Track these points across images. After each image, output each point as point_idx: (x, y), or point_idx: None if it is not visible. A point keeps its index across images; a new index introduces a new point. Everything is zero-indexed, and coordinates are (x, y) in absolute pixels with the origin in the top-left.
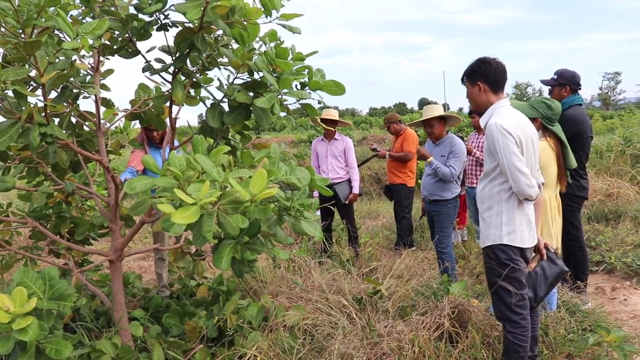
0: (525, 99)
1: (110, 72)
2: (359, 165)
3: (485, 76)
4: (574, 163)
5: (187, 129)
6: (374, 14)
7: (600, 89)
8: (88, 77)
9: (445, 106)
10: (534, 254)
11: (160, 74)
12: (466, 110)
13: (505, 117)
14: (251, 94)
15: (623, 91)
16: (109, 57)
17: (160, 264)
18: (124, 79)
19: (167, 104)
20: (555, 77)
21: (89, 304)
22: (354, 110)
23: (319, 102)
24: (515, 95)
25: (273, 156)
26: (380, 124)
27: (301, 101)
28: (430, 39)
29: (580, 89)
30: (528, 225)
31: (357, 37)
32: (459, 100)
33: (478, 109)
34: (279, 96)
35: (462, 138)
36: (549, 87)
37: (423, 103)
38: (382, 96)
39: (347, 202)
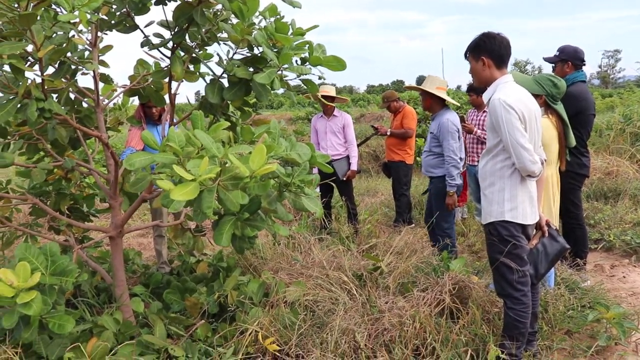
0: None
1: (109, 48)
2: (359, 145)
3: (489, 51)
4: (573, 142)
5: (186, 106)
6: None
7: (600, 67)
8: (86, 53)
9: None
10: (535, 231)
11: (159, 49)
12: (464, 88)
13: (509, 93)
14: (251, 69)
15: (623, 69)
16: (107, 32)
17: (159, 241)
18: (123, 55)
19: (166, 79)
20: (558, 53)
21: (90, 280)
22: (351, 88)
23: (320, 78)
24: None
25: (273, 132)
26: (378, 102)
27: (301, 77)
28: (427, 17)
29: (584, 64)
30: (530, 201)
31: (354, 15)
32: (457, 78)
33: (481, 85)
34: (279, 71)
35: (462, 117)
36: (552, 64)
37: (421, 80)
38: (379, 74)
39: (345, 179)
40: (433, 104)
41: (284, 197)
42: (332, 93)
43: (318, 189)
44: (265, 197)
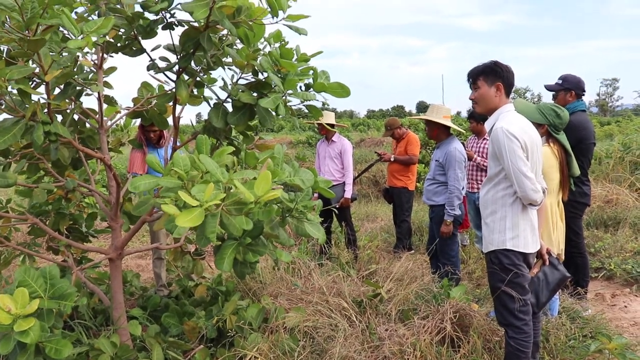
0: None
1: (113, 69)
2: (362, 172)
3: (505, 78)
4: (577, 171)
5: (187, 128)
6: (373, 18)
7: (598, 95)
8: (91, 75)
9: (442, 106)
10: (536, 260)
11: (165, 72)
12: (464, 114)
13: (512, 122)
14: (255, 94)
15: (621, 97)
16: (113, 54)
17: (158, 263)
18: (127, 77)
19: (170, 103)
20: (560, 82)
21: (88, 301)
22: (352, 112)
23: (323, 105)
24: (514, 99)
25: (277, 157)
26: (378, 127)
27: (305, 103)
28: (428, 43)
29: (584, 94)
30: (532, 230)
31: (356, 40)
32: (457, 103)
33: (486, 112)
34: (284, 97)
35: (462, 143)
36: (553, 92)
37: (421, 106)
38: (380, 99)
39: (337, 206)
40: (439, 133)
41: (286, 223)
42: (332, 120)
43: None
44: (267, 222)
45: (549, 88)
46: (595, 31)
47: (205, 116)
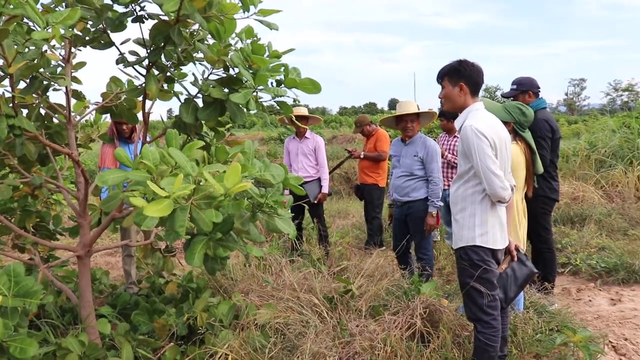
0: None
1: (82, 64)
2: (333, 169)
3: (468, 77)
4: (541, 169)
5: (158, 124)
6: (346, 14)
7: (566, 94)
8: (59, 69)
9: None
10: (504, 256)
11: (134, 67)
12: (436, 110)
13: (480, 120)
14: (226, 90)
15: (588, 97)
16: (81, 48)
17: (128, 261)
18: (96, 71)
19: (140, 98)
20: (515, 86)
21: (55, 300)
22: (324, 109)
23: (294, 101)
24: (484, 97)
25: (247, 152)
26: (350, 123)
27: (276, 99)
28: (401, 41)
29: (540, 91)
30: (500, 227)
31: (329, 37)
32: (429, 101)
33: (453, 110)
34: (255, 92)
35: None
36: (511, 98)
37: (393, 103)
38: (352, 96)
39: (316, 202)
40: (418, 127)
41: (256, 218)
42: (305, 113)
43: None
44: (238, 217)
45: (506, 95)
46: (566, 32)
47: (176, 112)
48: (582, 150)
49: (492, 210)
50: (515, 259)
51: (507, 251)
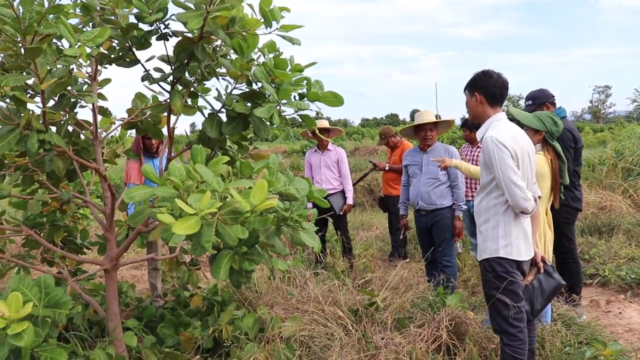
0: None
1: (107, 81)
2: (357, 181)
3: (483, 88)
4: (567, 179)
5: (181, 138)
6: (366, 27)
7: (591, 102)
8: (85, 86)
9: (437, 117)
10: (530, 267)
11: (159, 83)
12: (457, 122)
13: (502, 131)
14: (249, 104)
15: (613, 104)
16: (107, 65)
17: (154, 274)
18: (122, 87)
19: (165, 113)
20: (530, 101)
21: (83, 313)
22: (346, 121)
23: (317, 114)
24: (507, 107)
25: (272, 167)
26: (372, 135)
27: (299, 112)
28: (422, 51)
29: (555, 100)
30: (524, 238)
31: (350, 49)
32: (451, 111)
33: (475, 120)
34: (278, 107)
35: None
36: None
37: (414, 114)
38: (373, 107)
39: (341, 213)
40: (437, 135)
41: (281, 232)
42: (327, 125)
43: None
44: (263, 231)
45: (524, 116)
46: (589, 39)
47: (199, 126)
48: (609, 159)
49: (515, 222)
50: (542, 270)
51: (534, 262)
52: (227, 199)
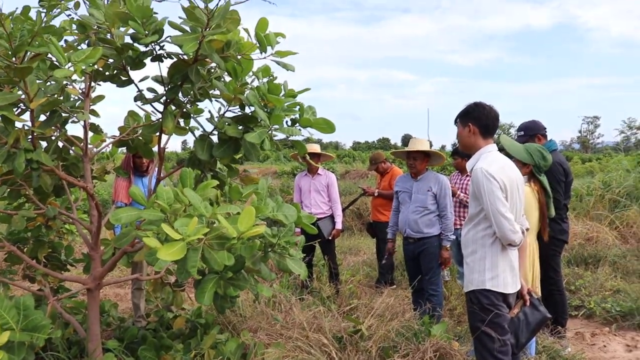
0: None
1: (100, 98)
2: (347, 207)
3: (477, 119)
4: (553, 213)
5: (171, 154)
6: (361, 51)
7: (580, 132)
8: (78, 102)
9: (429, 143)
10: (516, 300)
11: (152, 103)
12: (449, 147)
13: (491, 162)
14: (241, 127)
15: (602, 135)
16: (101, 83)
17: (137, 294)
18: (114, 104)
19: (157, 133)
20: (522, 132)
21: (62, 332)
22: (337, 144)
23: (309, 140)
24: (498, 135)
25: (261, 192)
26: (363, 158)
27: (291, 138)
28: (415, 77)
29: (547, 132)
30: (511, 270)
31: (344, 72)
32: (442, 137)
33: (466, 151)
34: (269, 132)
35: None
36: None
37: (406, 139)
38: (366, 131)
39: (330, 238)
40: (425, 165)
41: (268, 257)
42: (318, 150)
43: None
44: (249, 257)
45: (514, 147)
46: (578, 69)
47: (191, 144)
48: (597, 190)
49: (502, 254)
50: (528, 303)
51: (520, 295)
52: (214, 224)
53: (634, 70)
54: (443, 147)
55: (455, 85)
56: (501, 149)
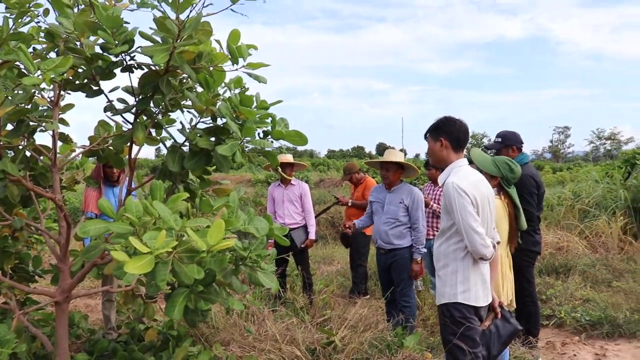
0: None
1: (70, 106)
2: (319, 214)
3: (448, 133)
4: (524, 225)
5: (145, 161)
6: (336, 59)
7: (551, 141)
8: (46, 111)
9: (403, 151)
10: (488, 312)
11: (122, 114)
12: (423, 156)
13: (463, 177)
14: (213, 139)
15: (572, 145)
16: (70, 92)
17: (108, 305)
18: (84, 111)
19: (127, 143)
20: (500, 139)
21: (29, 346)
22: (312, 152)
23: (280, 151)
24: (472, 145)
25: (232, 205)
26: (337, 167)
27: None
28: (389, 86)
29: (523, 146)
30: (482, 284)
31: (318, 80)
32: (416, 147)
33: (438, 165)
34: (241, 144)
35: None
36: (494, 151)
37: (381, 147)
38: (340, 139)
39: (302, 246)
40: (398, 177)
41: (239, 271)
42: (291, 160)
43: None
44: (220, 270)
45: (489, 147)
46: (550, 80)
47: (164, 151)
48: (567, 200)
49: (474, 268)
50: (499, 315)
51: (491, 308)
52: (184, 237)
53: (602, 82)
54: (417, 156)
55: (430, 94)
56: (471, 162)
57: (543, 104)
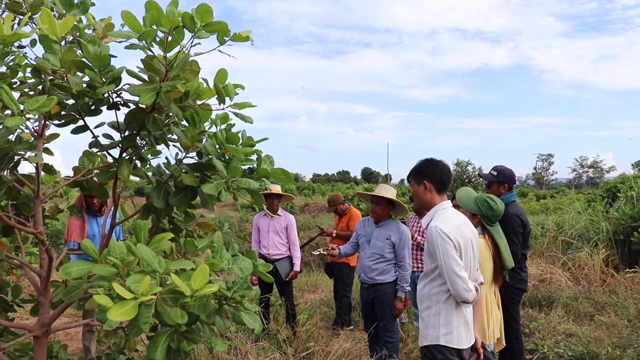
0: (465, 177)
1: (55, 136)
2: (304, 245)
3: (431, 176)
4: (510, 264)
5: (131, 183)
6: (322, 84)
7: (535, 168)
8: (31, 140)
9: (388, 177)
10: (471, 353)
11: (107, 151)
12: (407, 183)
13: (446, 221)
14: (198, 175)
15: (555, 172)
16: (55, 123)
17: (88, 336)
18: (69, 139)
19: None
20: (495, 173)
21: None
22: (297, 175)
23: (265, 188)
24: (456, 172)
25: (216, 246)
26: (323, 191)
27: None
28: (375, 111)
29: (514, 186)
30: (465, 326)
31: (304, 104)
32: (400, 171)
33: (421, 207)
34: (227, 181)
35: (402, 220)
36: (486, 182)
37: (366, 172)
38: (326, 163)
39: (287, 279)
40: (387, 212)
41: (222, 310)
42: (279, 191)
43: (257, 287)
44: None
45: (483, 177)
46: (533, 108)
47: (150, 173)
48: (550, 231)
49: (457, 310)
50: (482, 356)
51: (474, 348)
52: (168, 282)
53: (584, 111)
54: (402, 181)
55: (414, 120)
56: (456, 206)
57: (527, 131)
